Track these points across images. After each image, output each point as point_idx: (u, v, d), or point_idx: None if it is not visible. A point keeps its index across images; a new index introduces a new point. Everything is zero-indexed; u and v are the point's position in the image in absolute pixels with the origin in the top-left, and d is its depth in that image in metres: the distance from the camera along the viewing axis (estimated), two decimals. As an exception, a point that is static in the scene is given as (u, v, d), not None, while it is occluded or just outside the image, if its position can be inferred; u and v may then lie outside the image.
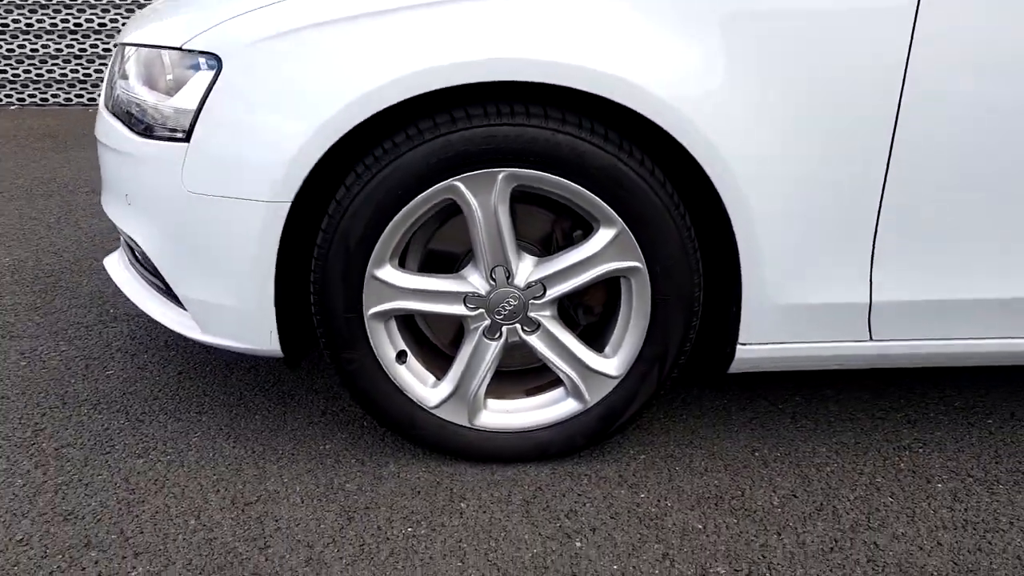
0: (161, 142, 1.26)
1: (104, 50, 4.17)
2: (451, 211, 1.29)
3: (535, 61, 1.13)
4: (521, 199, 1.28)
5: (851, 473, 1.38)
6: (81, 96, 4.24)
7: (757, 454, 1.43)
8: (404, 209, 1.21)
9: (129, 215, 1.38)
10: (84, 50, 4.17)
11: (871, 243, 1.24)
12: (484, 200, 1.22)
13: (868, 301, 1.28)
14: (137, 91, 1.32)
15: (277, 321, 1.28)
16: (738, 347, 1.32)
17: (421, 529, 1.24)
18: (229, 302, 1.29)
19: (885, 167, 1.20)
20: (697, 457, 1.42)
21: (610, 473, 1.37)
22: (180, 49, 1.24)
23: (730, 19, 1.14)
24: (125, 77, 1.37)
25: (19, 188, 2.90)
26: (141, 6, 4.07)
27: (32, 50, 4.13)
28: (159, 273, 1.36)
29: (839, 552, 1.19)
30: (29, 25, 4.09)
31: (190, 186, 1.24)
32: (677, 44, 1.14)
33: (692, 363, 1.62)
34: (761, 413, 1.56)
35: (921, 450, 1.45)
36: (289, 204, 1.20)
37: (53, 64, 4.16)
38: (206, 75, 1.22)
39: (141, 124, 1.30)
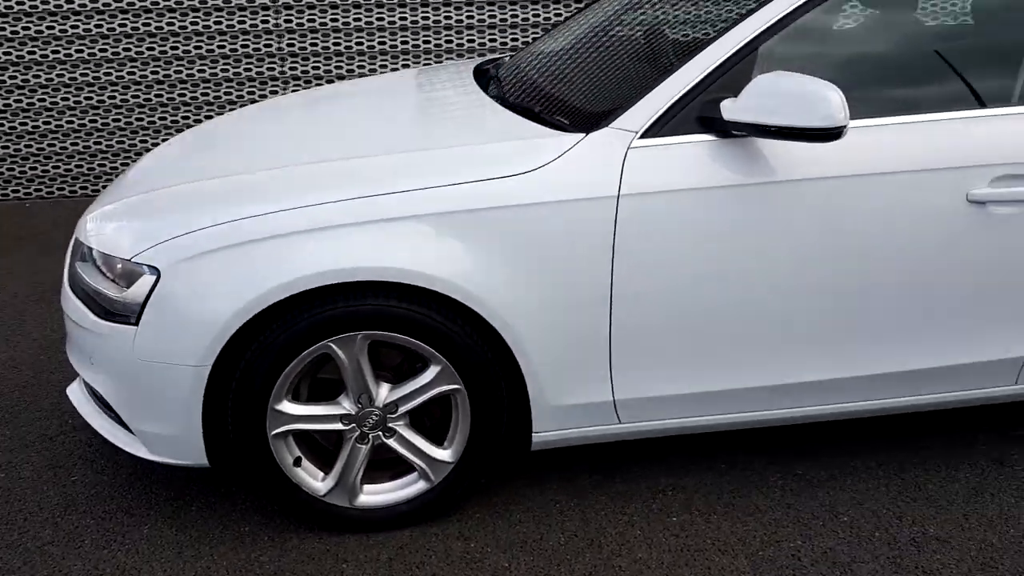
0: (117, 324, 1.78)
1: (29, 152, 4.54)
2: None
3: (378, 268, 1.71)
4: (382, 343, 1.84)
5: (617, 514, 1.99)
6: (7, 195, 4.60)
7: (557, 505, 2.03)
8: (292, 363, 1.77)
9: (92, 370, 1.89)
10: (11, 152, 4.54)
11: (608, 363, 1.87)
12: (349, 353, 1.79)
13: (612, 399, 1.90)
14: (97, 283, 1.83)
15: (207, 443, 1.82)
16: (534, 434, 1.92)
17: (316, 583, 1.79)
18: (170, 432, 1.81)
19: (609, 318, 1.82)
20: (515, 511, 2.01)
21: (452, 530, 1.94)
22: (129, 260, 1.77)
23: (502, 236, 1.75)
24: (87, 266, 1.88)
25: (-31, 300, 3.29)
26: (65, 98, 4.45)
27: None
28: (115, 411, 1.87)
29: (595, 575, 1.80)
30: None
31: (140, 355, 1.76)
32: (475, 254, 1.74)
33: (512, 442, 2.12)
34: (566, 470, 2.16)
35: (671, 492, 2.08)
36: (210, 367, 1.74)
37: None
38: (149, 279, 1.75)
39: (101, 309, 1.81)
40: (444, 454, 1.92)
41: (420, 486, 1.94)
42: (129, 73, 4.37)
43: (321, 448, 1.97)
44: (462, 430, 1.90)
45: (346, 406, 1.85)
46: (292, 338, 1.75)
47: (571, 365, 1.86)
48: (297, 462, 1.89)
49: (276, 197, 1.77)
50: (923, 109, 1.91)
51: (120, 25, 4.31)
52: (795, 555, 1.87)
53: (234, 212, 1.75)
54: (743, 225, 1.81)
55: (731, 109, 1.75)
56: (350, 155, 1.88)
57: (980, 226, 1.90)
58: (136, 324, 1.76)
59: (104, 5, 4.25)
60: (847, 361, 1.96)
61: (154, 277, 1.75)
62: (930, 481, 2.13)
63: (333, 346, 1.77)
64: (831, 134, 1.67)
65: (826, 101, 1.65)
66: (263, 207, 1.75)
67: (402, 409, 1.87)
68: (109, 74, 4.37)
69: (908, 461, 2.20)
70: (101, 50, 4.33)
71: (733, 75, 1.82)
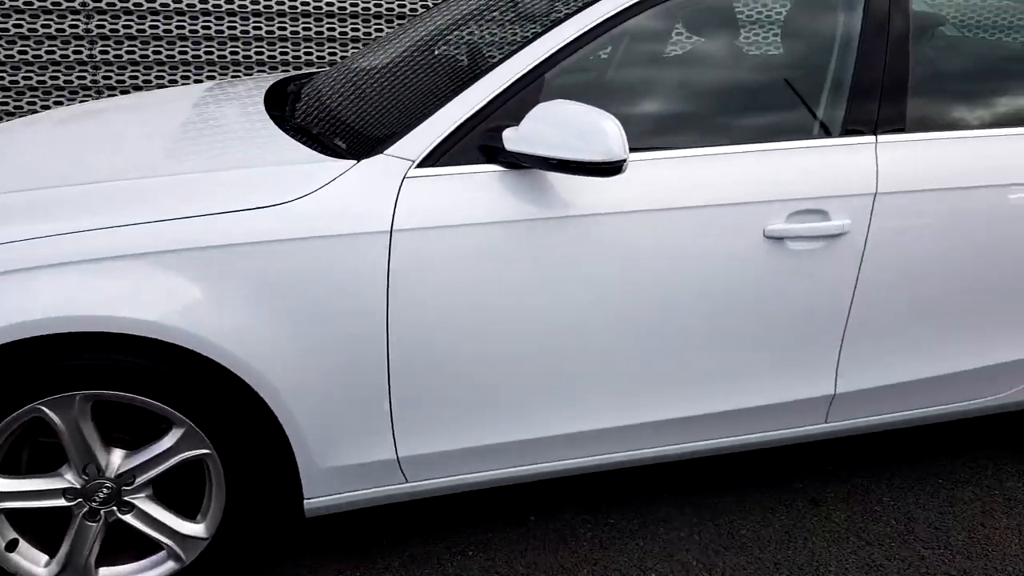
0: None
1: None
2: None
3: (89, 317, 1.43)
4: (120, 403, 1.57)
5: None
6: None
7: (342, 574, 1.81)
8: (-8, 431, 1.47)
9: None
10: None
11: (389, 417, 1.67)
12: (66, 416, 1.51)
13: (396, 457, 1.70)
14: None
15: None
16: (305, 501, 1.69)
17: None
18: None
19: (386, 367, 1.63)
20: (291, 586, 1.78)
21: (209, 614, 1.68)
22: None
23: (250, 277, 1.51)
24: None
25: None
26: None
27: None
28: None
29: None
30: None
31: None
32: (218, 299, 1.50)
33: (282, 510, 1.78)
34: (356, 535, 1.94)
35: (472, 553, 1.89)
36: None
37: None
38: None
39: None
40: (196, 529, 1.65)
41: (169, 566, 1.66)
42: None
43: (47, 526, 1.67)
44: (217, 500, 1.64)
45: (69, 478, 1.56)
46: (-9, 401, 1.45)
47: (345, 421, 1.64)
48: (12, 546, 1.58)
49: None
50: (723, 141, 1.84)
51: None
52: (593, 621, 1.73)
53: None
54: (529, 264, 1.65)
55: (512, 139, 1.60)
56: (77, 181, 1.60)
57: (778, 262, 1.84)
58: None
59: None
60: (649, 405, 1.84)
61: None
62: (744, 526, 2.05)
63: (44, 409, 1.48)
64: (610, 168, 1.54)
65: (603, 134, 1.52)
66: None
67: (140, 479, 1.59)
68: None
69: (724, 504, 2.12)
70: None
71: (520, 101, 1.68)
